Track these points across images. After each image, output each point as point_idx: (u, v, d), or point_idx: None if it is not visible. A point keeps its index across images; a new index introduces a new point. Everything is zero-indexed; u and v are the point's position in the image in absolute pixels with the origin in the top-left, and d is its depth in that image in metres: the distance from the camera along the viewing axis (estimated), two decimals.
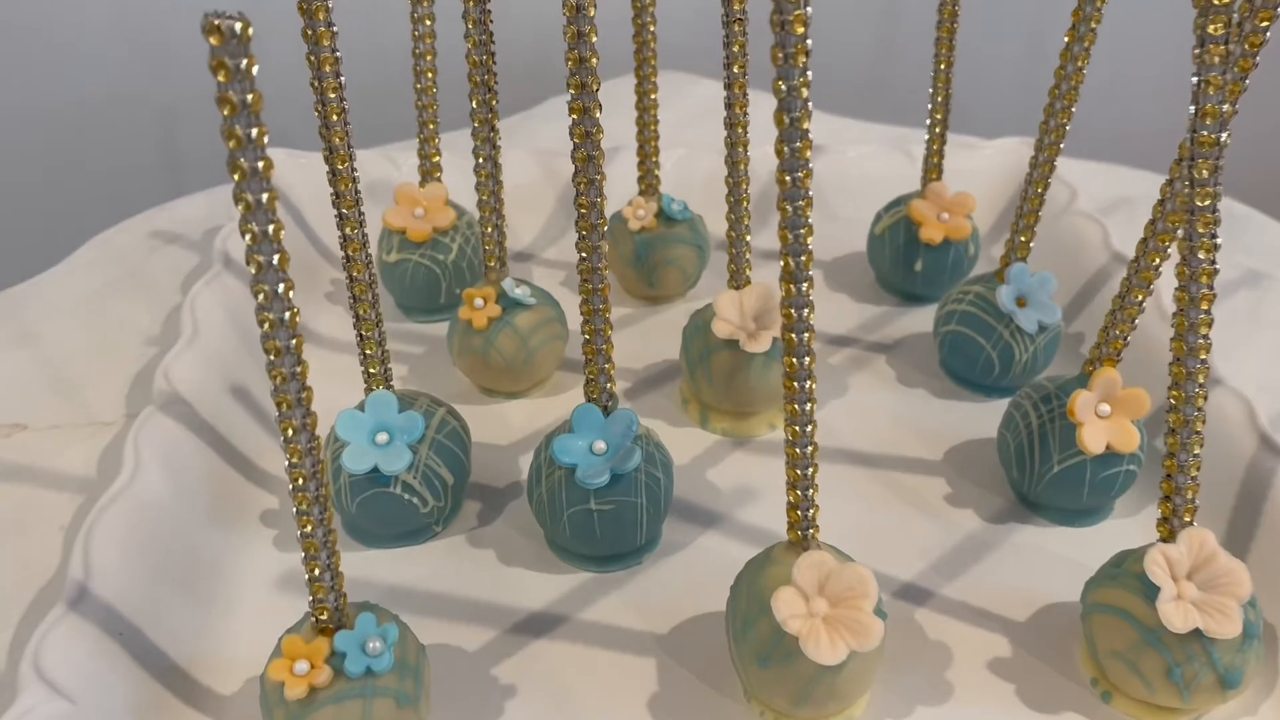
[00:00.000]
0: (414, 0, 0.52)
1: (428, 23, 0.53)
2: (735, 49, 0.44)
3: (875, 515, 0.47)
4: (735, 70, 0.44)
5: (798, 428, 0.34)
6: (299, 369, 0.31)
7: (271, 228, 0.29)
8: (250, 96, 0.27)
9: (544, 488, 0.42)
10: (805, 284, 0.32)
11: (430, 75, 0.54)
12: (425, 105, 0.55)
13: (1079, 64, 0.46)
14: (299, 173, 0.64)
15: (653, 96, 0.55)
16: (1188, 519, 0.37)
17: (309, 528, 0.33)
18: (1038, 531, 0.46)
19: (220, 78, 0.26)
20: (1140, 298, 0.42)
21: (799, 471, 0.35)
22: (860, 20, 1.07)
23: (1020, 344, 0.51)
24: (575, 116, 0.37)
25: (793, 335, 0.33)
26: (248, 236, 0.29)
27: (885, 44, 1.06)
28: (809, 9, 0.28)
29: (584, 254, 0.40)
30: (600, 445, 0.42)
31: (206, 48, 0.26)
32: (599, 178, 0.38)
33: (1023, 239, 0.51)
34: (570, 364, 0.55)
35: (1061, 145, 0.48)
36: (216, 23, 0.26)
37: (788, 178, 0.30)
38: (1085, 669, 0.40)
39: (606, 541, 0.43)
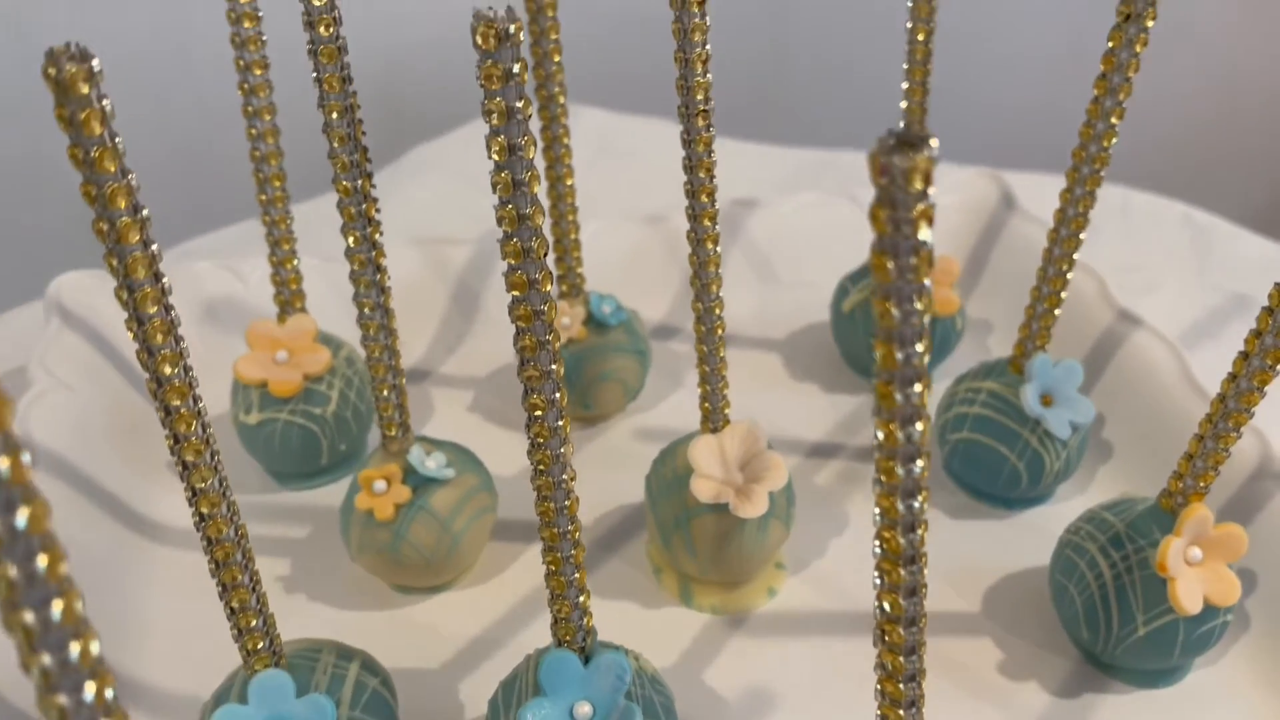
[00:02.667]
0: (243, 70, 0.39)
1: (262, 95, 0.40)
2: (700, 148, 0.33)
3: (928, 708, 0.37)
4: (701, 174, 0.33)
5: (902, 712, 0.24)
6: None
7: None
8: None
9: None
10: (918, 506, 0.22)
11: (278, 184, 0.41)
12: (276, 221, 0.42)
13: (1111, 121, 0.37)
14: (113, 301, 0.50)
15: (569, 182, 0.44)
16: None
17: None
18: (1119, 702, 0.37)
19: None
20: (1240, 424, 0.33)
21: None
22: (749, 27, 0.96)
23: (1051, 452, 0.42)
24: (502, 194, 0.25)
25: (897, 595, 0.23)
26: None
27: (780, 51, 0.96)
28: (933, 198, 0.17)
29: (541, 465, 0.29)
30: (584, 709, 0.31)
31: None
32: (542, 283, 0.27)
33: (1043, 324, 0.42)
34: (507, 529, 0.43)
35: (1090, 214, 0.39)
36: None
37: (899, 433, 0.20)
38: None
39: None
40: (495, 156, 0.25)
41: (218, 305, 0.51)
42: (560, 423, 0.28)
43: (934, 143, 0.17)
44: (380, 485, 0.38)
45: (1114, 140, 0.37)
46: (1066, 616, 0.38)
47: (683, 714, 0.36)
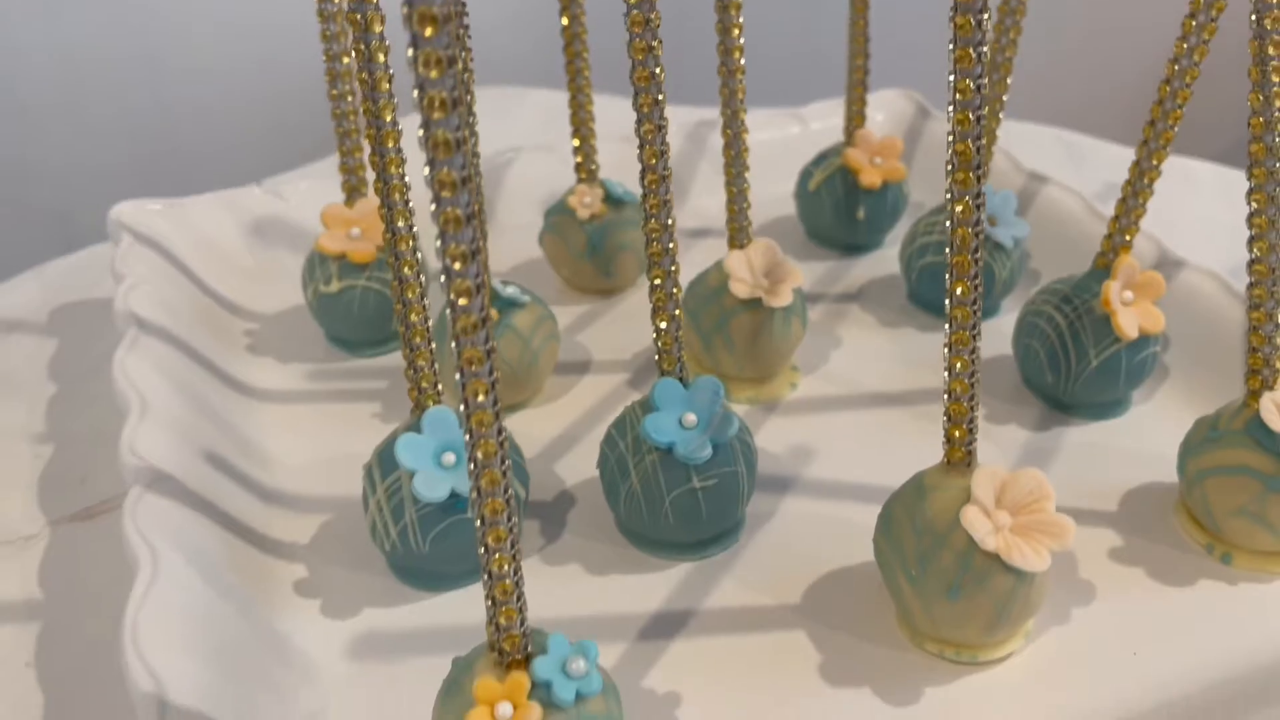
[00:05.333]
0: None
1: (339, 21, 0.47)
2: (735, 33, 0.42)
3: (933, 444, 0.46)
4: (734, 49, 0.43)
5: (966, 332, 0.33)
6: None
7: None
8: None
9: (634, 479, 0.38)
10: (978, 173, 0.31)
11: (348, 80, 0.48)
12: (345, 113, 0.49)
13: (1007, 55, 0.48)
14: (169, 224, 0.55)
15: (585, 74, 0.52)
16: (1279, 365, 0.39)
17: (496, 540, 0.28)
18: (1082, 430, 0.47)
19: None
20: (1153, 180, 0.44)
21: (965, 382, 0.34)
22: None
23: (999, 262, 0.52)
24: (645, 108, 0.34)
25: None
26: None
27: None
28: None
29: (653, 209, 0.37)
30: (690, 418, 0.39)
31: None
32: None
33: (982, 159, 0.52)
34: (563, 368, 0.51)
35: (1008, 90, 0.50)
36: None
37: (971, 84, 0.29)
38: (1194, 536, 0.41)
39: (711, 521, 0.39)
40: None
41: (264, 224, 0.58)
42: (667, 173, 0.36)
43: None
44: None
45: (1010, 74, 0.49)
46: (1031, 369, 0.48)
47: None
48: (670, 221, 0.37)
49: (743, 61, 0.44)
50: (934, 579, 0.34)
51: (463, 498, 0.37)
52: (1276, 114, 0.36)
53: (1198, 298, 0.50)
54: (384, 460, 0.38)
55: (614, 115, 0.67)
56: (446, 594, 0.39)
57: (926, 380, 0.50)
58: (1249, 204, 0.38)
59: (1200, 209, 0.68)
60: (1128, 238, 0.45)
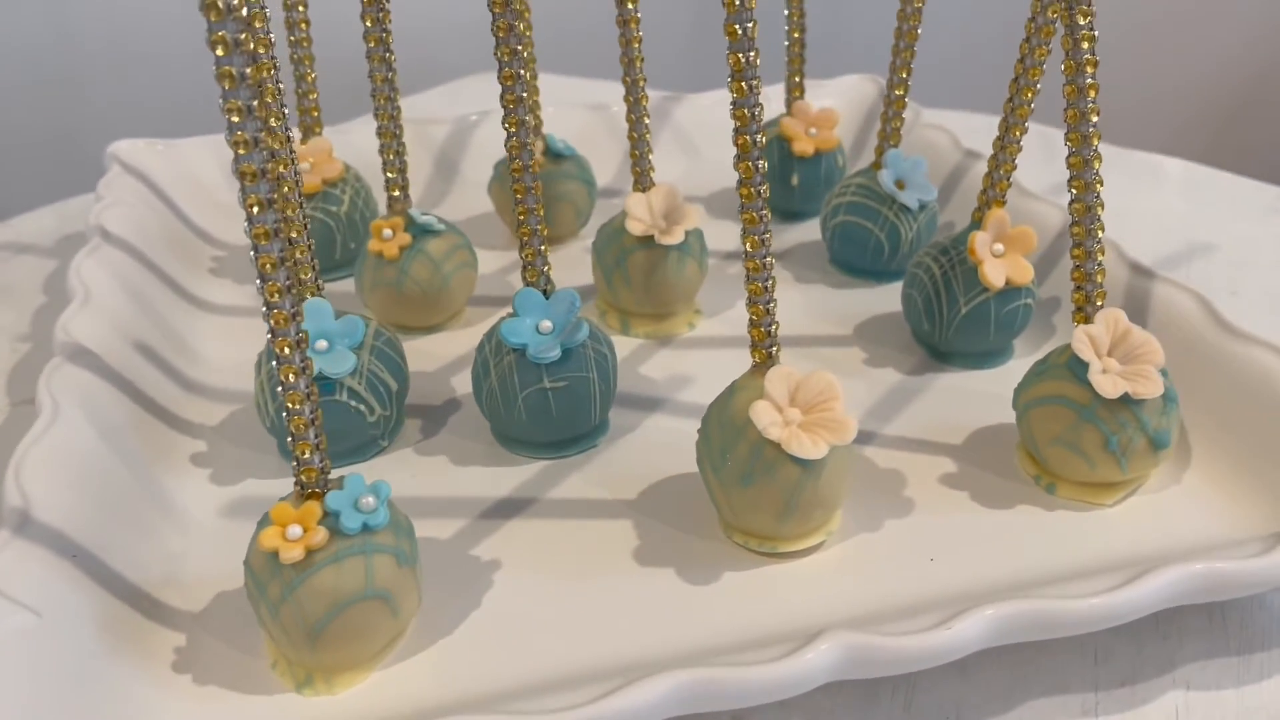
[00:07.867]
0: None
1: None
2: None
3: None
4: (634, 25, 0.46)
5: (757, 237, 0.36)
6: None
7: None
8: None
9: (494, 377, 0.42)
10: (756, 86, 0.34)
11: (305, 26, 0.54)
12: (300, 59, 0.54)
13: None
14: (160, 160, 0.62)
15: (528, 34, 0.57)
16: (1099, 303, 0.41)
17: (291, 377, 0.32)
18: (954, 376, 0.49)
19: None
20: (1017, 135, 0.46)
21: (760, 285, 0.37)
22: None
23: (905, 223, 0.54)
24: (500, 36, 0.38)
25: (747, 143, 0.35)
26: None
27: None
28: None
29: (512, 153, 0.41)
30: (546, 324, 0.42)
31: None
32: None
33: (894, 125, 0.55)
34: (481, 300, 0.55)
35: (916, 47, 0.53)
36: None
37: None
38: (1026, 469, 0.43)
39: (562, 422, 0.43)
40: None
41: None
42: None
43: None
44: (388, 232, 0.50)
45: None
46: (913, 318, 0.50)
47: (621, 387, 0.47)
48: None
49: (639, 33, 0.48)
50: (732, 468, 0.37)
51: (331, 380, 0.41)
52: (1087, 78, 0.38)
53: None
54: (270, 348, 0.42)
55: (563, 92, 0.72)
56: None
57: (825, 329, 0.53)
58: (1066, 145, 0.40)
59: (1156, 203, 0.69)
60: (999, 190, 0.47)
